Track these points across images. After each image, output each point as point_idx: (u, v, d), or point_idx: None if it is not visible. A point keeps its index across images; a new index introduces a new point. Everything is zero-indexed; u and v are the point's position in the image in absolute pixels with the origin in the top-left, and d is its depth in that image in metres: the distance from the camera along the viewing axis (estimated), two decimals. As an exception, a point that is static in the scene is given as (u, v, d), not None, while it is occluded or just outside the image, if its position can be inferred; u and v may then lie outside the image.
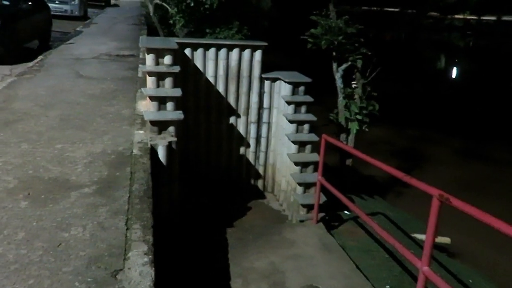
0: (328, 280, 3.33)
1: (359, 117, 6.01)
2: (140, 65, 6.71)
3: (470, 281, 4.56)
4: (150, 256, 2.15)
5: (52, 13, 11.36)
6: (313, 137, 4.88)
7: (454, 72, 26.13)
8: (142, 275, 2.00)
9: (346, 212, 5.42)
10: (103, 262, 2.09)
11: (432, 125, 12.30)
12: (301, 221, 4.68)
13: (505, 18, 52.66)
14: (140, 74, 6.38)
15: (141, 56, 7.83)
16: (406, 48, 34.09)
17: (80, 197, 2.72)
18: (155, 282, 1.98)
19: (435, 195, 2.40)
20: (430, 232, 2.45)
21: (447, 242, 5.75)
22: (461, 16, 55.45)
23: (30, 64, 7.14)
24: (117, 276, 2.00)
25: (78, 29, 12.11)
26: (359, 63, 5.90)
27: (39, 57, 7.63)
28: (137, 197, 2.74)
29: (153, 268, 2.06)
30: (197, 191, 5.17)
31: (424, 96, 16.41)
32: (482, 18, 54.63)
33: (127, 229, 2.39)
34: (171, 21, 9.81)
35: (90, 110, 4.60)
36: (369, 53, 5.81)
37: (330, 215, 5.03)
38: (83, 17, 16.35)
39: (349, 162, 6.52)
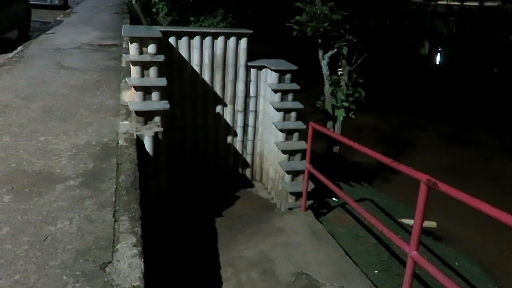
0: (318, 266, 3.35)
1: (345, 104, 6.01)
2: (123, 55, 6.60)
3: (456, 263, 4.65)
4: (139, 248, 2.12)
5: (32, 2, 11.06)
6: (300, 125, 4.88)
7: (438, 58, 26.35)
8: (132, 267, 1.98)
9: (334, 199, 5.46)
10: (91, 255, 2.06)
11: (417, 111, 12.41)
12: (290, 209, 4.69)
13: (487, 3, 53.16)
14: (123, 64, 6.27)
15: (124, 46, 7.69)
16: (390, 35, 34.20)
17: (66, 190, 2.67)
18: (145, 274, 1.96)
19: (423, 180, 2.41)
20: (418, 217, 2.47)
21: (433, 226, 5.83)
22: (444, 2, 55.77)
23: (10, 55, 6.95)
24: (105, 268, 1.97)
25: (58, 18, 11.81)
26: (344, 50, 5.88)
27: (19, 48, 7.44)
28: (124, 188, 2.70)
29: (142, 260, 2.04)
30: (184, 182, 5.13)
31: (408, 82, 16.53)
32: (464, 4, 55.03)
33: (114, 221, 2.35)
34: (154, 10, 9.65)
35: (73, 101, 4.50)
36: (355, 40, 5.79)
37: (319, 203, 5.06)
38: (63, 6, 15.96)
39: (336, 149, 6.54)
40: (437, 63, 24.96)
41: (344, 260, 3.52)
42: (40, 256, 2.03)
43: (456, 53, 28.37)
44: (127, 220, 2.35)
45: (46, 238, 2.17)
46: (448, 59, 26.50)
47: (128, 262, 2.00)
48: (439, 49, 29.97)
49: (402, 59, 22.15)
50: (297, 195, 4.71)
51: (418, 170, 2.68)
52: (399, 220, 5.56)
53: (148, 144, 3.71)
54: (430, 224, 5.81)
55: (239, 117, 5.33)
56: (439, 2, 55.50)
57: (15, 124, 3.77)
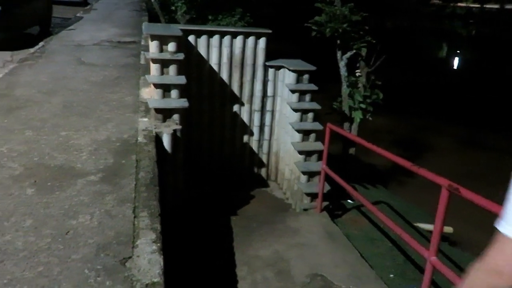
0: (333, 268, 3.34)
1: (362, 106, 5.98)
2: (142, 52, 6.66)
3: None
4: (158, 244, 2.14)
5: (52, -2, 11.23)
6: (317, 125, 4.86)
7: (456, 61, 25.97)
8: (151, 263, 2.00)
9: (349, 201, 5.43)
10: (112, 249, 2.09)
11: (434, 114, 12.25)
12: (305, 209, 4.68)
13: (508, 6, 52.21)
14: (142, 61, 6.33)
15: (142, 43, 7.77)
16: (407, 36, 33.84)
17: (87, 184, 2.71)
18: (164, 270, 1.98)
19: (445, 185, 2.39)
20: (438, 222, 2.44)
21: (449, 232, 5.76)
22: (463, 4, 54.97)
23: (32, 50, 7.08)
24: (126, 263, 2.00)
25: (78, 15, 11.99)
26: (363, 52, 5.84)
27: (40, 43, 7.57)
28: (143, 185, 2.73)
29: (162, 256, 2.06)
30: (200, 180, 5.16)
31: (426, 85, 16.33)
32: (485, 6, 54.14)
33: (134, 217, 2.38)
34: (172, 7, 9.71)
35: (93, 97, 4.57)
36: (374, 41, 5.75)
37: (334, 204, 5.04)
38: (83, 3, 16.18)
39: (352, 151, 6.51)
40: (456, 65, 24.61)
41: (360, 263, 3.51)
42: (62, 249, 2.06)
43: (475, 56, 27.93)
44: (146, 217, 2.38)
45: (68, 231, 2.21)
46: (467, 61, 26.11)
47: (148, 258, 2.03)
48: (458, 51, 29.54)
49: (420, 61, 21.88)
50: (313, 196, 4.70)
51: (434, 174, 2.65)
52: (415, 224, 5.51)
53: (166, 142, 3.74)
54: (446, 229, 5.74)
55: (256, 117, 5.34)
56: (459, 4, 54.73)
57: (37, 118, 3.84)
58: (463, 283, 1.04)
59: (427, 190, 6.79)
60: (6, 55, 6.95)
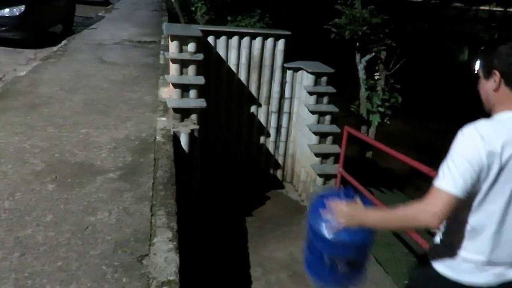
0: (347, 272, 3.32)
1: (381, 109, 5.94)
2: (162, 52, 6.74)
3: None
4: (174, 243, 2.17)
5: (75, -2, 11.45)
6: (335, 128, 4.84)
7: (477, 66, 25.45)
8: (167, 261, 2.02)
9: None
10: (129, 247, 2.12)
11: (453, 119, 12.04)
12: (320, 212, 4.66)
13: (532, 10, 51.11)
14: (161, 61, 6.40)
15: (162, 43, 7.85)
16: (428, 40, 33.38)
17: (105, 181, 2.75)
18: (180, 268, 2.00)
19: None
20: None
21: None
22: (486, 8, 53.98)
23: (54, 48, 7.23)
24: (142, 261, 2.03)
25: (100, 14, 12.19)
26: (383, 55, 5.81)
27: (63, 42, 7.72)
28: (161, 183, 2.76)
29: (178, 255, 2.08)
30: (215, 179, 5.19)
31: (445, 89, 16.08)
32: (508, 9, 53.08)
33: (151, 215, 2.41)
34: (192, 8, 9.79)
35: (113, 96, 4.64)
36: (394, 45, 5.70)
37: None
38: (105, 3, 16.44)
39: (369, 154, 6.47)
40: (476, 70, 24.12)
41: (375, 268, 3.47)
42: (81, 245, 2.10)
43: (497, 61, 27.25)
44: (163, 215, 2.41)
45: (87, 228, 2.25)
46: (489, 66, 25.51)
47: (164, 256, 2.05)
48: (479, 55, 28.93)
49: (440, 64, 21.56)
50: (328, 199, 4.68)
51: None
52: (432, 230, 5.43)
53: (183, 141, 3.78)
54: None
55: (273, 118, 5.35)
56: (481, 7, 53.78)
57: (59, 115, 3.92)
58: (395, 210, 1.41)
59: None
60: (30, 53, 7.11)
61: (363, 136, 4.95)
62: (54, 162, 2.97)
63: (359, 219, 1.55)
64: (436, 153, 9.82)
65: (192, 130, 3.84)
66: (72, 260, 1.99)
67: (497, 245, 1.45)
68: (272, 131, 5.40)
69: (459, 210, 1.40)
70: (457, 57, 27.95)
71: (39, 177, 2.75)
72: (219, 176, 5.26)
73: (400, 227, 1.76)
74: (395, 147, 3.86)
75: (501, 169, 1.35)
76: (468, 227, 1.45)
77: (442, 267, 1.53)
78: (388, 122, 6.09)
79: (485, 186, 1.38)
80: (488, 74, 1.49)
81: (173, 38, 4.11)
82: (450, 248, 1.51)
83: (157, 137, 3.53)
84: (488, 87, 1.49)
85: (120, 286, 1.85)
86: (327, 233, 1.66)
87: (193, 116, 4.03)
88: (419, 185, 7.60)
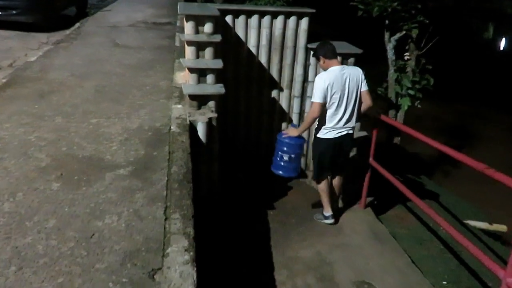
0: (381, 275, 3.03)
1: (411, 92, 5.51)
2: (177, 34, 6.42)
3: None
4: (191, 253, 1.90)
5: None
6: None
7: (504, 43, 24.24)
8: (183, 277, 1.76)
9: (394, 195, 5.05)
10: (140, 258, 1.87)
11: (482, 100, 11.45)
12: (347, 204, 4.35)
13: None
14: (177, 43, 6.10)
15: (178, 24, 7.53)
16: (454, 16, 32.03)
17: (115, 179, 2.50)
18: (197, 286, 1.74)
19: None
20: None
21: (503, 230, 5.31)
22: (515, -18, 51.52)
23: (67, 31, 6.99)
24: (155, 276, 1.77)
25: (114, -5, 11.87)
26: (414, 33, 5.34)
27: (76, 25, 7.48)
28: (176, 181, 2.49)
29: (195, 268, 1.82)
30: (235, 168, 4.91)
31: (472, 68, 15.34)
32: (538, -17, 50.55)
33: (165, 219, 2.15)
34: (209, -13, 9.37)
35: (126, 81, 4.38)
36: (427, 22, 5.24)
37: (378, 199, 4.68)
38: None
39: (397, 140, 6.08)
40: (504, 48, 23.00)
41: (411, 269, 3.17)
42: (85, 256, 1.86)
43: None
44: (178, 219, 2.14)
45: (93, 234, 2.00)
46: (517, 44, 24.38)
47: (180, 271, 1.79)
48: (507, 33, 27.66)
49: (465, 42, 20.61)
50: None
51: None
52: (465, 221, 5.08)
53: (201, 131, 3.50)
54: (500, 227, 5.30)
55: (296, 103, 5.00)
56: (510, -19, 51.33)
57: (68, 104, 3.68)
58: (305, 121, 3.83)
59: (475, 181, 6.31)
60: (42, 37, 6.88)
61: (397, 123, 4.54)
62: (61, 157, 2.73)
63: (295, 132, 3.73)
64: (465, 136, 9.29)
65: (210, 119, 3.55)
66: (75, 276, 1.74)
67: (339, 120, 3.51)
68: (294, 117, 5.06)
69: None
70: (482, 34, 26.68)
71: (43, 174, 2.51)
72: (237, 165, 4.98)
73: (309, 123, 3.65)
74: (422, 130, 3.54)
75: None
76: (328, 114, 3.49)
77: (320, 134, 3.62)
78: (419, 106, 5.66)
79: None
80: None
81: (189, 18, 3.77)
82: (324, 127, 3.55)
83: (172, 127, 3.26)
84: None
85: (128, 310, 1.60)
86: (283, 139, 3.77)
87: (211, 103, 3.73)
88: (447, 171, 7.21)
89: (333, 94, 3.40)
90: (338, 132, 3.57)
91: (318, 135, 3.67)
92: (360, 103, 3.63)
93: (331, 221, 3.82)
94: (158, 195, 2.36)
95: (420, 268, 3.37)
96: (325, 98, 3.40)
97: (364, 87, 3.62)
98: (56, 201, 2.25)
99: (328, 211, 3.85)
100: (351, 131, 3.64)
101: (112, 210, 2.20)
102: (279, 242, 3.42)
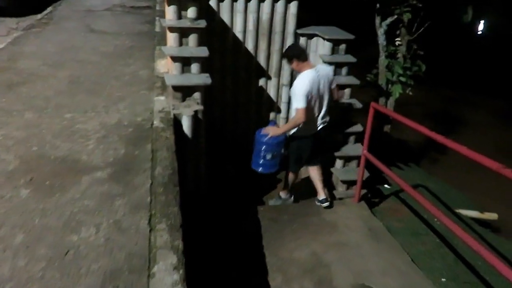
0: (382, 277, 2.87)
1: (402, 79, 5.34)
2: (157, 18, 6.07)
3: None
4: (180, 272, 1.68)
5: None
6: (355, 103, 4.28)
7: (481, 26, 24.28)
8: (173, 302, 1.54)
9: (386, 186, 4.91)
10: (122, 279, 1.64)
11: (469, 85, 11.41)
12: (340, 198, 4.18)
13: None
14: (157, 29, 5.77)
15: (158, 8, 7.15)
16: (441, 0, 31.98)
17: (93, 183, 2.25)
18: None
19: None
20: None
21: (494, 218, 5.25)
22: (494, -35, 51.85)
23: (39, 16, 6.55)
24: (140, 302, 1.54)
25: (90, -23, 11.31)
26: (406, 17, 5.14)
27: (48, 9, 7.03)
28: (161, 184, 2.25)
29: (186, 290, 1.60)
30: (223, 161, 4.68)
31: (456, 54, 15.30)
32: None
33: (150, 230, 1.92)
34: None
35: (104, 71, 4.07)
36: (420, 5, 5.04)
37: (370, 191, 4.53)
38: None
39: (387, 128, 5.94)
40: (482, 31, 23.08)
41: (411, 269, 3.02)
42: (59, 279, 1.62)
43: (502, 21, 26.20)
44: (165, 230, 1.91)
45: (68, 252, 1.76)
46: (494, 27, 24.52)
47: (168, 294, 1.57)
48: (485, 15, 27.70)
49: (450, 27, 20.58)
50: (349, 183, 4.19)
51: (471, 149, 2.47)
52: (457, 211, 4.98)
53: (186, 125, 3.25)
54: (491, 216, 5.23)
55: (284, 92, 4.77)
56: (489, -35, 51.62)
57: (40, 96, 3.38)
58: (289, 122, 3.77)
59: (463, 168, 6.24)
60: (11, 22, 6.44)
61: (390, 112, 4.35)
62: (31, 158, 2.45)
63: (278, 131, 3.68)
64: (452, 122, 9.20)
65: (196, 112, 3.30)
66: (46, 305, 1.50)
67: (316, 118, 3.64)
68: (283, 106, 4.84)
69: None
70: (461, 18, 26.72)
71: (11, 179, 2.24)
72: (225, 157, 4.75)
73: (294, 127, 3.59)
74: (408, 116, 3.43)
75: None
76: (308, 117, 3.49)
77: (298, 132, 3.65)
78: (410, 93, 5.50)
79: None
80: None
81: (170, 2, 3.48)
82: (303, 126, 3.54)
83: (154, 122, 3.00)
84: None
85: None
86: (264, 139, 3.70)
87: (196, 95, 3.47)
88: (435, 158, 7.14)
89: (312, 97, 3.49)
90: (314, 128, 3.70)
91: (296, 133, 3.70)
92: (332, 97, 3.78)
93: (290, 200, 4.14)
94: (141, 201, 2.11)
95: (418, 265, 3.22)
96: (308, 102, 3.45)
97: (334, 85, 3.76)
98: (25, 211, 1.99)
99: (287, 193, 4.13)
100: (326, 124, 3.77)
101: (89, 221, 1.95)
102: (271, 242, 3.22)
